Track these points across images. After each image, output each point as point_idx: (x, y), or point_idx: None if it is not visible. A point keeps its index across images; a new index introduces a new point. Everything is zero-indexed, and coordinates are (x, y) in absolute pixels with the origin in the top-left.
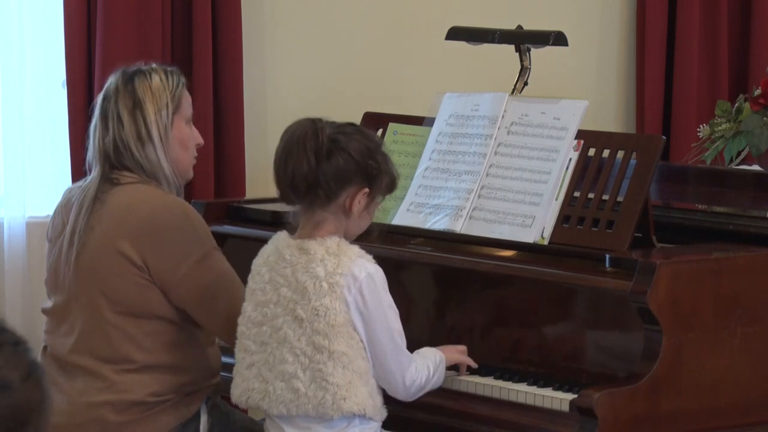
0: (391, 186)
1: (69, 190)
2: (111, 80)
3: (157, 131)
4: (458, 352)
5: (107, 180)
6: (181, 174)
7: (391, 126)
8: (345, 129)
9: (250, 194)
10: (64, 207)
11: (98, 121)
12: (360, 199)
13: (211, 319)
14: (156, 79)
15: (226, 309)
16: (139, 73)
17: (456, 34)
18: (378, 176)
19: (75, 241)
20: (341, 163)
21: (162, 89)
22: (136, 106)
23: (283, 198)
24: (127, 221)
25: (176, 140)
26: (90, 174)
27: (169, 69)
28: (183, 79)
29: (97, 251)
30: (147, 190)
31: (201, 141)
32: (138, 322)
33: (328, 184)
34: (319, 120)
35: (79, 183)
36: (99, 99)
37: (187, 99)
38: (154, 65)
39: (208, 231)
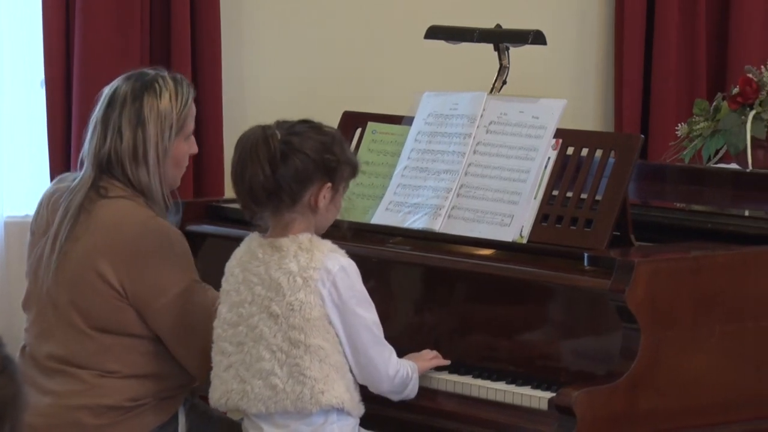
0: (353, 173)
1: (55, 187)
2: (121, 86)
3: (154, 154)
4: (428, 360)
5: (95, 188)
6: (168, 186)
7: (370, 125)
8: (296, 129)
9: (228, 194)
10: (51, 204)
11: (99, 123)
12: (324, 194)
13: (184, 352)
14: (165, 98)
15: (200, 344)
16: (150, 88)
17: (435, 33)
18: (338, 168)
19: (56, 249)
20: (299, 165)
21: (169, 111)
22: (139, 124)
23: (245, 208)
24: (110, 241)
25: (172, 159)
26: (81, 170)
27: (179, 80)
28: (193, 93)
29: (76, 265)
30: (135, 210)
31: (196, 150)
32: (115, 337)
33: (290, 187)
34: (269, 126)
35: (68, 178)
36: (104, 98)
37: (191, 116)
38: (166, 76)
39: (191, 261)
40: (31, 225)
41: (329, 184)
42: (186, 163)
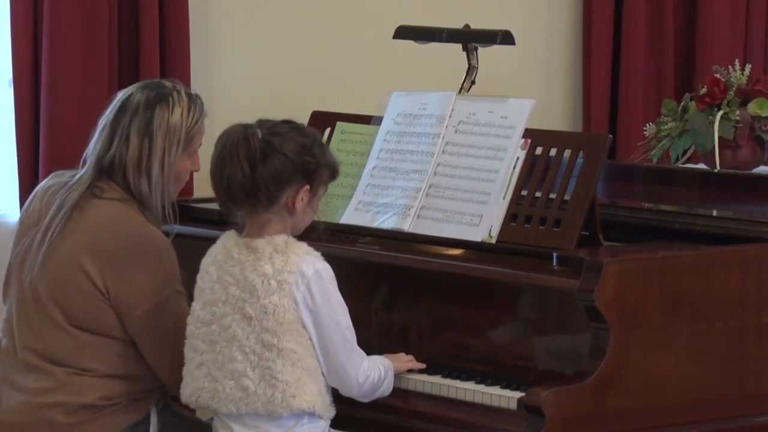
0: (332, 176)
1: (54, 181)
2: (136, 94)
3: (158, 167)
4: (404, 362)
5: (91, 188)
6: (168, 199)
7: (339, 125)
8: (278, 129)
9: (197, 193)
10: (46, 197)
11: (107, 127)
12: (302, 197)
13: (157, 359)
14: (177, 114)
15: (174, 354)
16: (164, 100)
17: (404, 33)
18: (317, 171)
19: (45, 243)
20: (278, 165)
21: (179, 127)
22: (147, 135)
23: (222, 206)
24: (99, 242)
25: (174, 175)
26: (83, 168)
27: (193, 99)
28: (204, 112)
29: (63, 262)
30: (127, 214)
31: (198, 168)
32: (93, 336)
33: (268, 188)
34: (250, 125)
35: (66, 174)
36: (117, 102)
37: (200, 134)
38: (182, 91)
39: (176, 271)
40: (21, 215)
41: (307, 187)
42: (186, 179)
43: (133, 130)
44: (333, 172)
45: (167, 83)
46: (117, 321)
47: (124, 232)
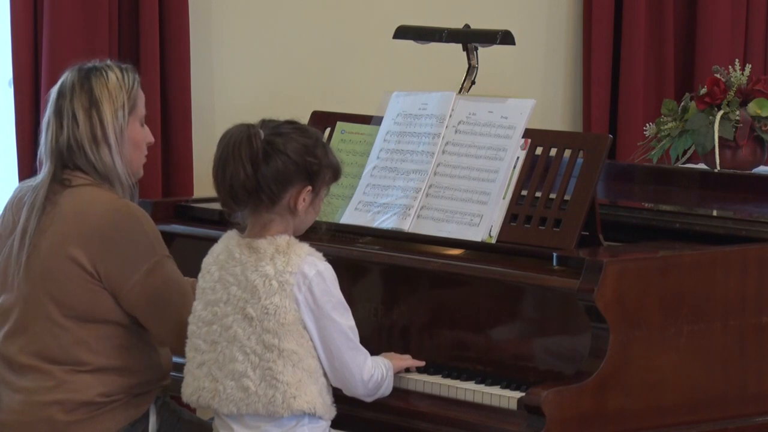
0: (334, 177)
1: (20, 187)
2: (67, 76)
3: (113, 133)
4: (403, 360)
5: (58, 181)
6: (132, 173)
7: (339, 125)
8: (281, 129)
9: (197, 193)
10: (15, 205)
11: (52, 118)
12: (304, 197)
13: (160, 327)
14: (113, 78)
15: (175, 318)
16: (95, 71)
17: (403, 33)
18: (319, 172)
19: (26, 243)
20: (280, 166)
21: (119, 89)
22: (93, 105)
23: (224, 206)
24: (79, 226)
25: (130, 141)
26: (40, 171)
27: (124, 66)
28: (138, 77)
29: (47, 255)
30: (100, 194)
31: (152, 140)
32: (89, 325)
33: (270, 188)
34: (253, 125)
35: (30, 181)
36: (53, 95)
37: (141, 98)
38: (109, 62)
39: (159, 238)
40: None
41: (309, 187)
42: (145, 150)
43: (77, 107)
44: (335, 172)
45: (94, 62)
46: (112, 301)
47: (101, 211)
